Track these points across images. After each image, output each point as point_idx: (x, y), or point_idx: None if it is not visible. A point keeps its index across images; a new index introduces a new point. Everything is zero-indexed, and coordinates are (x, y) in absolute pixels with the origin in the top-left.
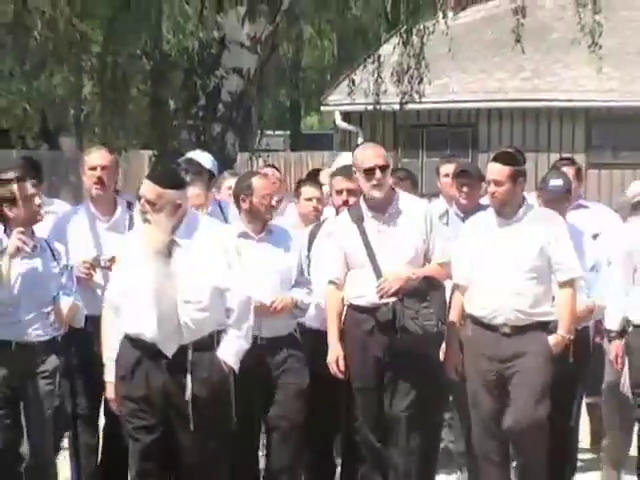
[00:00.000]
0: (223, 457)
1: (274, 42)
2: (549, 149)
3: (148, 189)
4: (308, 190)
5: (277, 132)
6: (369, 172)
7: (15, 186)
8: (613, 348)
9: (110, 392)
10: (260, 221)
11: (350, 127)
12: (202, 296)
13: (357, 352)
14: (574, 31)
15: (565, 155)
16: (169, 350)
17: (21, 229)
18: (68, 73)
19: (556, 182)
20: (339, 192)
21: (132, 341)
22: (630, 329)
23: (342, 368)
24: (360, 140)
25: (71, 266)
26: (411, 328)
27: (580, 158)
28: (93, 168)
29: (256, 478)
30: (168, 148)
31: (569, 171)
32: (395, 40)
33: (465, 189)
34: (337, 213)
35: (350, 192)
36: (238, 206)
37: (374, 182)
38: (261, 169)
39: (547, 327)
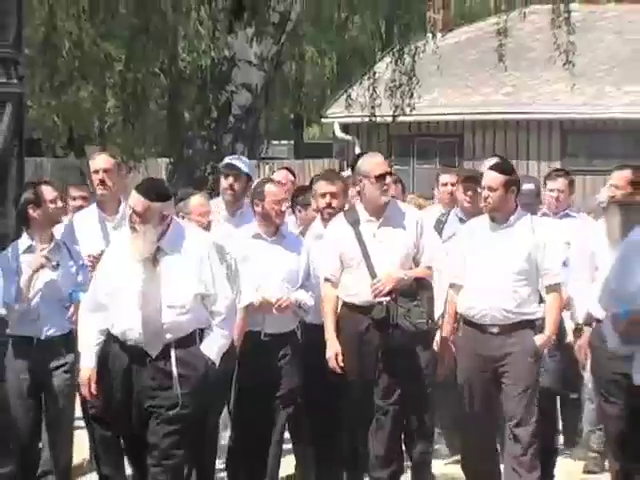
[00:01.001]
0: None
1: (279, 60)
2: (528, 157)
3: (136, 201)
4: (321, 185)
5: (282, 142)
6: (380, 178)
7: (40, 189)
8: (578, 341)
9: (82, 377)
10: (272, 224)
11: (348, 137)
12: (185, 301)
13: (352, 347)
14: (550, 51)
15: (543, 163)
16: (153, 350)
17: (45, 246)
18: (93, 88)
19: (528, 186)
20: (323, 195)
21: (118, 341)
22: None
23: (341, 364)
24: (357, 149)
25: (86, 265)
26: (404, 325)
27: (556, 165)
28: (96, 171)
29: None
30: (183, 156)
31: (563, 181)
32: (388, 59)
33: (470, 193)
34: (321, 215)
35: (333, 195)
36: (253, 209)
37: (385, 187)
38: (279, 169)
39: (533, 325)
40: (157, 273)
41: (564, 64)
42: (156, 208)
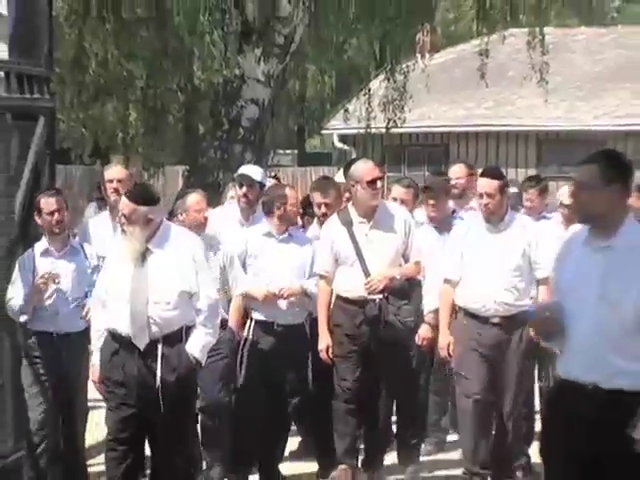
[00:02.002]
0: (188, 435)
1: (284, 78)
2: (507, 165)
3: (124, 205)
4: (317, 196)
5: (286, 151)
6: (371, 183)
7: (39, 200)
8: None
9: (94, 374)
10: (287, 224)
11: (346, 147)
12: (170, 298)
13: (346, 336)
14: (526, 70)
15: (520, 170)
16: (141, 343)
17: (45, 274)
18: (117, 103)
19: (512, 190)
20: (318, 205)
21: (111, 334)
22: None
23: (331, 356)
24: (354, 157)
25: (100, 266)
26: (394, 323)
27: (532, 172)
28: (110, 180)
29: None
30: (198, 164)
31: (534, 192)
32: (382, 77)
33: (432, 202)
34: (318, 220)
35: (327, 205)
36: (269, 211)
37: (375, 192)
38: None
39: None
40: (145, 271)
41: (539, 82)
42: (142, 211)
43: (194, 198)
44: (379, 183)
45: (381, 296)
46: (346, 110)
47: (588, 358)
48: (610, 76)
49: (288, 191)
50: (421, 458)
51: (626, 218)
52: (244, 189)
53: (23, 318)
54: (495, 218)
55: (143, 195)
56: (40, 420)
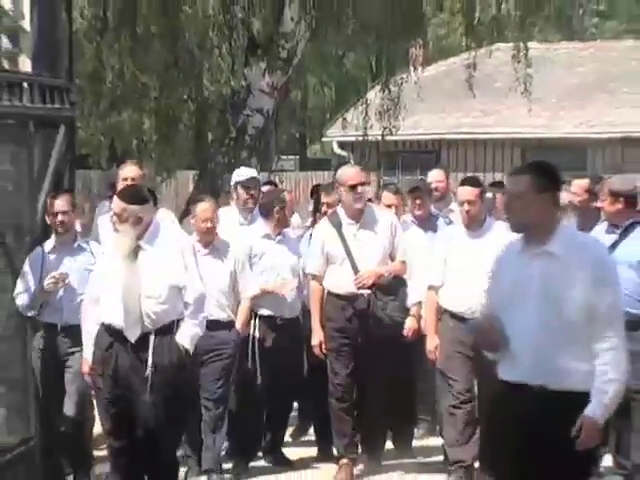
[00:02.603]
0: (180, 422)
1: (287, 89)
2: (494, 170)
3: (116, 204)
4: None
5: (289, 157)
6: (353, 187)
7: (51, 200)
8: None
9: (84, 366)
10: (283, 226)
11: (344, 153)
12: (161, 292)
13: (338, 330)
14: (511, 81)
15: (505, 175)
16: (132, 336)
17: (55, 274)
18: (132, 113)
19: (487, 195)
20: (322, 205)
21: (105, 327)
22: None
23: (324, 351)
24: (352, 163)
25: None
26: (381, 317)
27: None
28: (125, 179)
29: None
30: (207, 169)
31: (500, 197)
32: (378, 88)
33: (418, 202)
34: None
35: (328, 205)
36: (268, 213)
37: (357, 195)
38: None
39: None
40: (137, 267)
41: (523, 92)
42: (132, 210)
43: (201, 207)
44: (360, 188)
45: (369, 291)
46: (344, 119)
47: (534, 361)
48: (589, 87)
49: (287, 195)
50: (414, 443)
51: (559, 224)
52: (252, 191)
53: (31, 313)
54: (475, 224)
55: (134, 195)
56: (49, 410)
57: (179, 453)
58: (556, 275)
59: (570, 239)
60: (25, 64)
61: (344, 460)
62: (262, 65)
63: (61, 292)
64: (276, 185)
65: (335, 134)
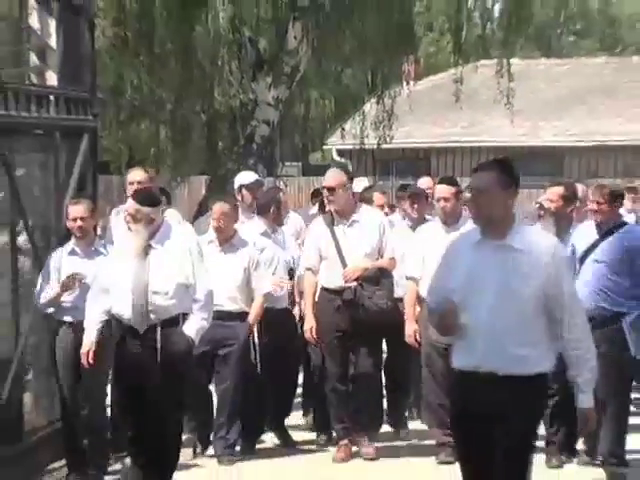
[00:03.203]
0: (182, 407)
1: (291, 102)
2: None
3: (130, 205)
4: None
5: (292, 163)
6: (329, 189)
7: (68, 206)
8: None
9: (83, 348)
10: (278, 224)
11: (343, 160)
12: (168, 288)
13: (328, 320)
14: (495, 94)
15: None
16: (140, 328)
17: (71, 274)
18: (149, 123)
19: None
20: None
21: (115, 319)
22: None
23: (315, 335)
24: (350, 169)
25: None
26: (367, 305)
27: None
28: (131, 183)
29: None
30: (218, 174)
31: (451, 190)
32: (373, 101)
33: (415, 206)
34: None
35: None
36: (265, 212)
37: (330, 198)
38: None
39: None
40: (146, 265)
41: (506, 105)
42: (145, 212)
43: (217, 207)
44: (326, 192)
45: (355, 283)
46: (343, 129)
47: (486, 347)
48: (567, 100)
49: (282, 196)
50: (409, 425)
51: (516, 219)
52: (256, 193)
53: (50, 310)
54: (451, 220)
55: (147, 198)
56: (70, 396)
57: (186, 436)
58: (514, 267)
59: (527, 234)
60: (52, 79)
61: (343, 441)
62: (268, 80)
63: (77, 292)
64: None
65: (334, 143)
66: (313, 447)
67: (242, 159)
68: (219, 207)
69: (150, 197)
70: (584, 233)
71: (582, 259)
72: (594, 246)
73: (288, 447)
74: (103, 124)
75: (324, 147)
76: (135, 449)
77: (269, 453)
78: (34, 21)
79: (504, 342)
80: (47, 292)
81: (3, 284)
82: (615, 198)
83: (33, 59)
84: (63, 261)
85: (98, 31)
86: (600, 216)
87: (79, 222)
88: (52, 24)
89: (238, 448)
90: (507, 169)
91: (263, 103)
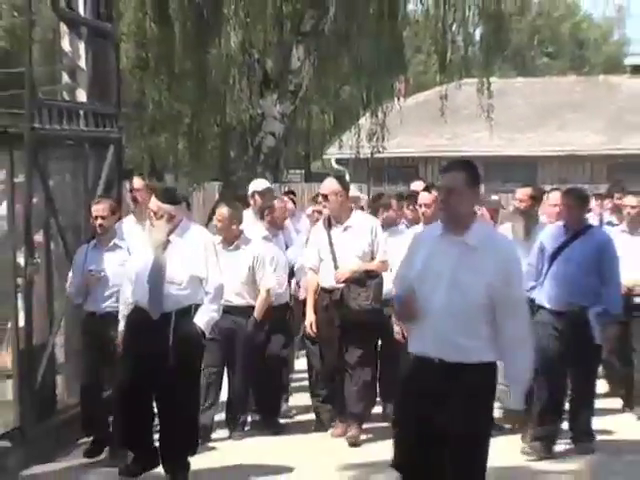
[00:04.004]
0: (195, 388)
1: (294, 116)
2: None
3: (152, 202)
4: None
5: (296, 171)
6: (323, 197)
7: (92, 206)
8: None
9: (119, 339)
10: (275, 228)
11: (341, 168)
12: (182, 280)
13: (320, 317)
14: (477, 110)
15: None
16: (155, 315)
17: (90, 272)
18: (168, 135)
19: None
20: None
21: (134, 306)
22: None
23: (315, 330)
24: (347, 177)
25: None
26: (352, 306)
27: (482, 187)
28: (130, 190)
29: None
30: (229, 181)
31: (432, 197)
32: (368, 115)
33: (411, 207)
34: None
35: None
36: (262, 217)
37: (324, 203)
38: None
39: None
40: (164, 258)
41: (486, 119)
42: (166, 209)
43: (220, 210)
44: (321, 198)
45: (343, 285)
46: (341, 140)
47: (437, 337)
48: (540, 114)
49: (276, 202)
50: None
51: (475, 218)
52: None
53: (78, 300)
54: (431, 223)
55: (168, 196)
56: (91, 379)
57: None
58: (467, 263)
59: (484, 233)
60: (81, 96)
61: (339, 423)
62: (274, 96)
63: (99, 285)
64: (295, 194)
65: (333, 152)
66: (313, 425)
67: (251, 167)
68: (219, 210)
69: (171, 196)
70: (552, 233)
71: (552, 258)
72: (564, 246)
73: (290, 426)
74: (127, 136)
75: (324, 156)
76: (133, 442)
77: (279, 425)
78: (66, 44)
79: (451, 332)
80: (74, 284)
81: (39, 278)
82: (583, 202)
83: (65, 78)
84: (88, 255)
85: (122, 53)
86: (569, 218)
87: (100, 220)
88: (82, 47)
89: (247, 428)
90: (473, 169)
91: (270, 117)
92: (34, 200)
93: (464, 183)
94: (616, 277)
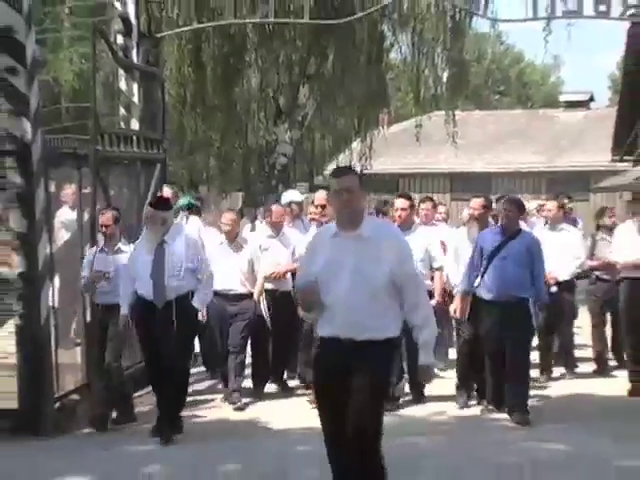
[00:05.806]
0: (190, 356)
1: (301, 141)
2: (432, 192)
3: (148, 210)
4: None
5: (302, 183)
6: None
7: (100, 215)
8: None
9: (121, 320)
10: (276, 229)
11: None
12: (179, 272)
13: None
14: (444, 136)
15: (439, 195)
16: (159, 304)
17: (95, 272)
18: (202, 156)
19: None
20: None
21: (140, 297)
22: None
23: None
24: None
25: None
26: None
27: (448, 197)
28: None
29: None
30: (250, 192)
31: (426, 205)
32: (358, 140)
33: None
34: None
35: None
36: (265, 219)
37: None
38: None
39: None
40: (163, 255)
41: (451, 143)
42: (159, 214)
43: (225, 215)
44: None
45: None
46: (337, 159)
47: (345, 319)
48: (493, 140)
49: (274, 207)
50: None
51: (365, 213)
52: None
53: (88, 294)
54: (405, 225)
55: (162, 204)
56: (99, 359)
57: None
58: (366, 253)
59: (375, 226)
60: (134, 124)
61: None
62: (285, 125)
63: (104, 282)
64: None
65: (332, 169)
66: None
67: (267, 181)
68: (227, 215)
69: (164, 204)
70: (487, 237)
71: (490, 257)
72: (500, 246)
73: (285, 392)
74: (170, 156)
75: (325, 172)
76: (157, 389)
77: (272, 396)
78: (122, 85)
79: (358, 315)
80: (84, 281)
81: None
82: (520, 209)
83: (122, 111)
84: (96, 257)
85: (166, 92)
86: (507, 222)
87: (104, 228)
88: (134, 87)
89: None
90: (358, 173)
91: (282, 142)
92: (97, 207)
93: (358, 185)
94: (543, 273)
